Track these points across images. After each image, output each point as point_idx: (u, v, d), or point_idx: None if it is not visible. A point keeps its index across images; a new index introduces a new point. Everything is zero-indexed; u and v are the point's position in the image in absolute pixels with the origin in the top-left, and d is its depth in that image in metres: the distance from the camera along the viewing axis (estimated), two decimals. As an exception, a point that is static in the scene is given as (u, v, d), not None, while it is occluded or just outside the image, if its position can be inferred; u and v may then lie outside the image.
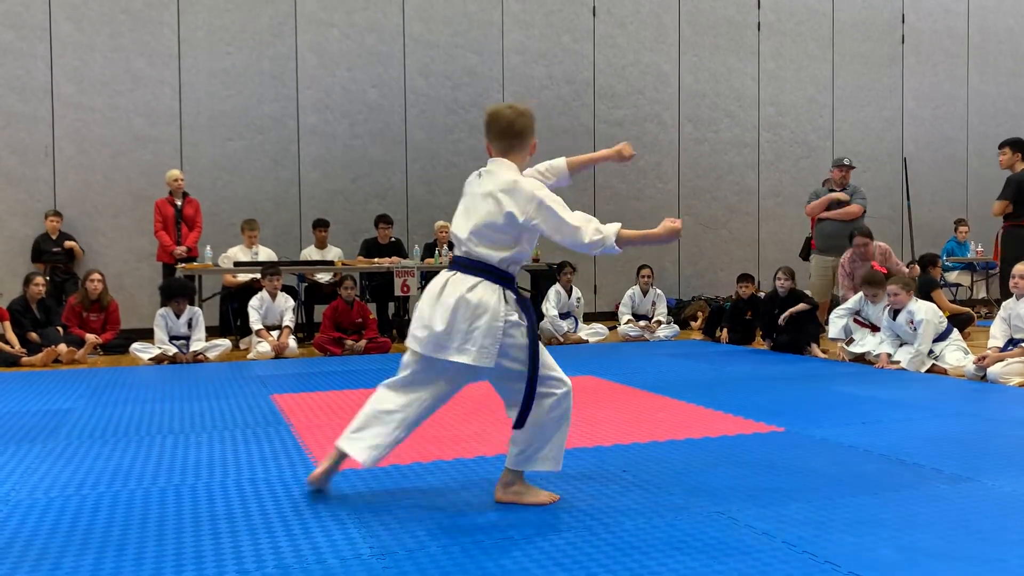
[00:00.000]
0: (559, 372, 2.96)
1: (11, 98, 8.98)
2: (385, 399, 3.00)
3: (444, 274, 2.96)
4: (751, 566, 2.37)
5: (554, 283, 9.06)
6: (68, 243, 8.92)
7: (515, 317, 2.89)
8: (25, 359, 7.36)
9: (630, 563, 2.41)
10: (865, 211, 8.56)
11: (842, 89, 12.49)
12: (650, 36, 11.46)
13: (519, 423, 2.87)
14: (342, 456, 3.04)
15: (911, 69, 12.90)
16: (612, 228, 2.85)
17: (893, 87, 12.82)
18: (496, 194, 2.86)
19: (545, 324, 8.84)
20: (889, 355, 6.53)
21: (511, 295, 2.91)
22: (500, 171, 2.93)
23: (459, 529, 2.73)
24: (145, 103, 9.41)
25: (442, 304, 2.86)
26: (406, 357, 3.02)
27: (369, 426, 2.98)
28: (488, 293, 2.85)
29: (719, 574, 2.32)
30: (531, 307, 2.98)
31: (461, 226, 2.95)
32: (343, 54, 10.10)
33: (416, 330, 2.92)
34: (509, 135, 2.97)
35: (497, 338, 2.83)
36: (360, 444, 2.96)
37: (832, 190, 8.69)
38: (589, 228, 2.83)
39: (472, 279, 2.87)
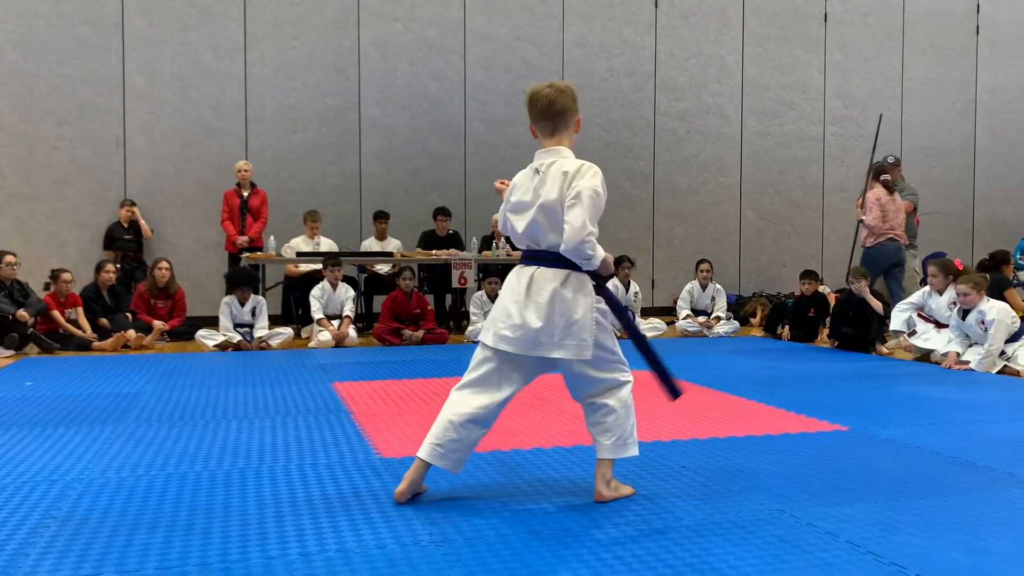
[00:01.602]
0: (624, 358, 3.02)
1: (85, 90, 9.27)
2: (461, 403, 2.89)
3: (526, 268, 2.89)
4: (813, 564, 2.33)
5: (611, 277, 9.01)
6: (141, 222, 9.15)
7: (602, 306, 2.91)
8: (96, 344, 7.60)
9: (689, 558, 2.39)
10: (916, 207, 8.30)
11: (911, 81, 12.15)
12: (713, 28, 11.30)
13: (675, 394, 2.97)
14: (427, 466, 2.91)
15: (986, 61, 12.47)
16: (601, 252, 2.85)
17: (966, 79, 12.42)
18: (571, 186, 2.79)
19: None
20: (958, 355, 6.35)
21: (593, 283, 2.90)
22: (561, 163, 2.85)
23: (517, 518, 2.74)
24: (213, 96, 9.62)
25: (534, 301, 2.81)
26: (479, 355, 2.93)
27: (450, 434, 2.86)
28: (580, 286, 2.84)
29: (780, 572, 2.28)
30: (608, 289, 2.97)
31: (536, 223, 2.84)
32: (405, 47, 10.18)
33: (503, 329, 2.84)
34: (551, 115, 2.91)
35: (593, 330, 2.83)
36: (443, 452, 2.86)
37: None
38: (591, 239, 2.79)
39: (561, 272, 2.83)
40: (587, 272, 2.87)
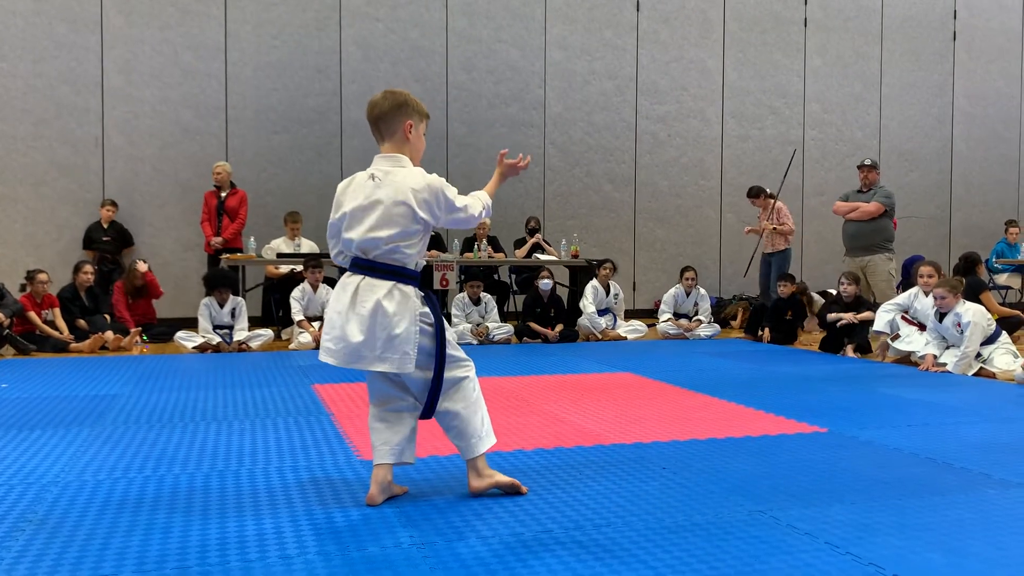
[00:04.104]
0: (462, 352, 3.02)
1: (63, 90, 9.18)
2: (375, 416, 3.00)
3: (352, 279, 2.87)
4: (793, 565, 2.34)
5: (592, 279, 9.03)
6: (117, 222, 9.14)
7: (428, 316, 2.90)
8: (73, 345, 7.52)
9: (671, 560, 2.39)
10: (888, 210, 8.41)
11: (890, 87, 12.27)
12: (695, 32, 11.36)
13: (428, 413, 2.90)
14: (390, 468, 2.95)
15: (963, 66, 12.62)
16: (485, 195, 3.06)
17: (943, 84, 12.56)
18: (405, 198, 2.82)
19: (583, 320, 8.82)
20: (935, 357, 6.41)
21: (420, 293, 2.91)
22: (398, 172, 2.88)
23: (498, 520, 2.74)
24: (192, 96, 9.56)
25: (357, 314, 2.81)
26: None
27: (379, 430, 2.96)
28: (405, 297, 2.84)
29: (760, 573, 2.29)
30: (434, 297, 2.98)
31: (365, 230, 2.84)
32: (387, 48, 10.16)
33: (328, 342, 2.86)
34: (380, 122, 2.97)
35: (415, 342, 2.83)
36: (385, 450, 2.93)
37: (860, 191, 8.61)
38: (478, 205, 3.00)
39: (386, 284, 2.83)
40: (412, 284, 2.89)
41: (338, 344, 2.83)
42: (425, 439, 3.95)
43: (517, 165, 3.16)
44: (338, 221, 2.94)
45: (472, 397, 2.97)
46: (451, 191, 2.92)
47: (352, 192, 2.92)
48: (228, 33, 9.65)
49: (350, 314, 2.82)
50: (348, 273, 2.92)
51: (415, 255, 2.90)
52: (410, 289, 2.87)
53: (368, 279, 2.84)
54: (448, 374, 2.91)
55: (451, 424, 2.95)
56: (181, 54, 9.51)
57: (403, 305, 2.83)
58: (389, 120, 2.96)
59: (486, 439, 2.97)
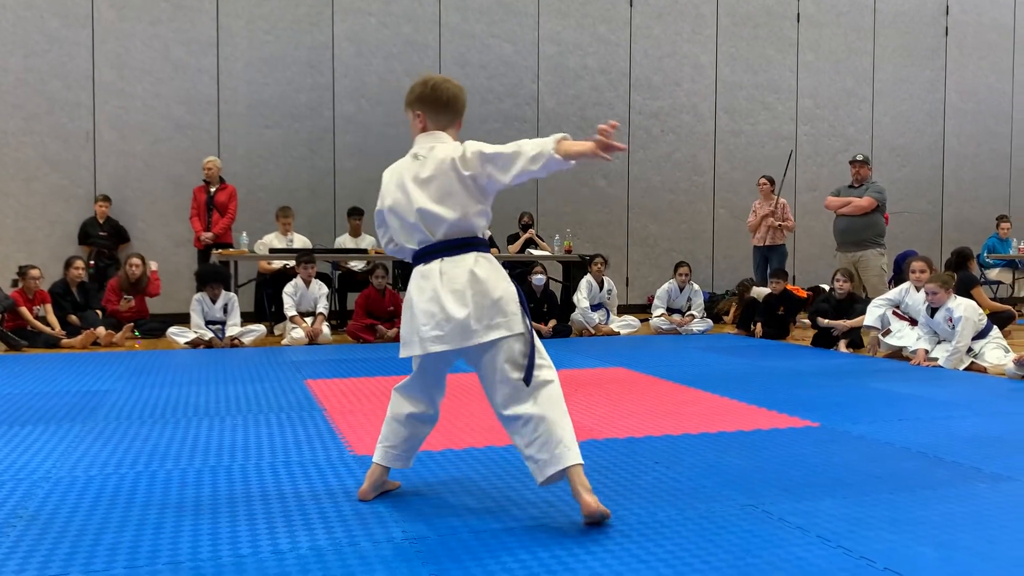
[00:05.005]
0: (546, 352, 2.80)
1: (55, 84, 9.13)
2: (402, 403, 2.89)
3: (428, 266, 2.72)
4: (784, 559, 2.35)
5: (585, 274, 9.03)
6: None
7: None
8: (65, 341, 7.50)
9: (663, 553, 2.40)
10: (880, 205, 8.43)
11: (882, 82, 12.30)
12: (688, 27, 11.36)
13: (528, 378, 2.65)
14: (386, 468, 2.92)
15: (955, 62, 12.65)
16: (550, 140, 2.62)
17: (935, 80, 12.59)
18: (452, 166, 2.70)
19: (576, 315, 8.82)
20: (927, 352, 6.43)
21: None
22: (439, 146, 2.77)
23: (490, 515, 2.74)
24: (184, 90, 9.52)
25: (451, 291, 2.66)
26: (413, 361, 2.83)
27: (400, 433, 2.88)
28: (490, 261, 2.74)
29: (752, 567, 2.30)
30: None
31: (426, 207, 2.70)
32: (379, 43, 10.13)
33: (432, 331, 2.66)
34: (448, 107, 2.83)
35: (518, 299, 2.73)
36: (396, 453, 2.89)
37: (852, 186, 8.63)
38: (529, 144, 2.66)
39: (467, 255, 2.71)
40: (487, 251, 2.78)
41: (444, 328, 2.64)
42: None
43: (611, 146, 2.61)
44: (388, 208, 2.82)
45: (561, 403, 2.70)
46: (489, 146, 2.73)
47: (398, 176, 2.81)
48: (220, 28, 9.61)
49: (444, 294, 2.66)
50: (421, 265, 2.75)
51: (483, 224, 2.78)
52: (491, 255, 2.78)
53: (446, 259, 2.71)
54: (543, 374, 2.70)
55: (534, 436, 2.62)
56: (173, 49, 9.47)
57: (494, 268, 2.73)
58: (459, 111, 2.87)
59: (576, 448, 2.65)
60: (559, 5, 10.77)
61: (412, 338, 2.73)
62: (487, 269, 2.71)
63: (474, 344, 2.65)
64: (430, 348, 2.67)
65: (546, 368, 2.71)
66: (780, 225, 9.66)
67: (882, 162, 12.06)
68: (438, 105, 2.83)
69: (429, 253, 2.74)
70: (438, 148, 2.77)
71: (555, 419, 2.63)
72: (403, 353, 2.78)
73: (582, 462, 2.63)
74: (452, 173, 2.71)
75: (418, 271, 2.77)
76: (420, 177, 2.74)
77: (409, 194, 2.74)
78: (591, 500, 2.59)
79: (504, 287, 2.70)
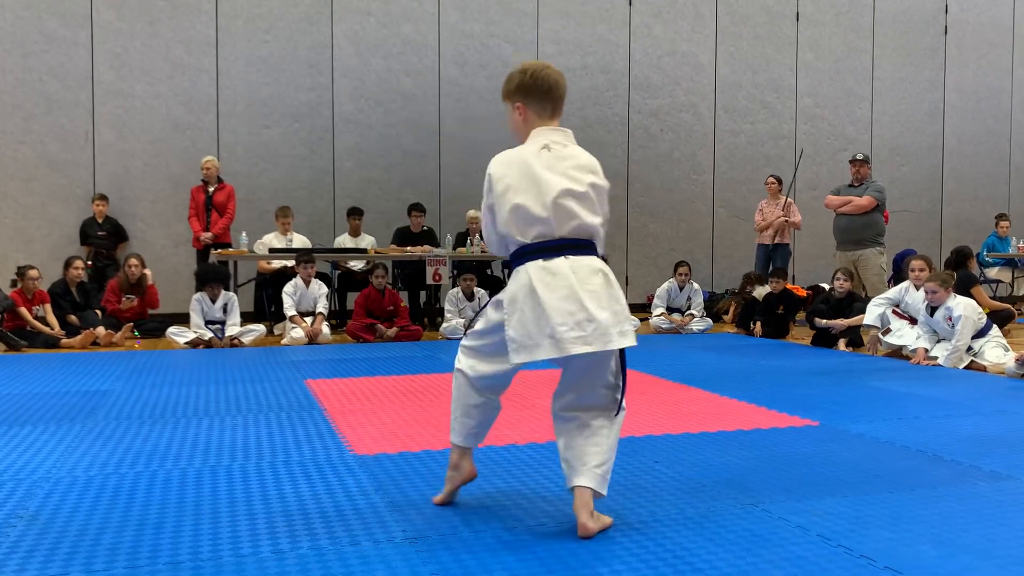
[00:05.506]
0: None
1: (54, 85, 9.13)
2: (473, 381, 2.76)
3: (554, 262, 2.53)
4: (785, 558, 2.35)
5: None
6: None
7: None
8: (64, 341, 7.49)
9: (663, 552, 2.40)
10: (879, 204, 8.44)
11: (881, 81, 12.29)
12: (687, 26, 11.36)
13: (622, 401, 2.64)
14: (468, 450, 2.82)
15: (953, 61, 12.65)
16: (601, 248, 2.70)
17: (934, 79, 12.59)
18: (592, 170, 2.64)
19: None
20: (926, 350, 6.44)
21: None
22: (573, 147, 2.69)
23: (492, 515, 2.74)
24: (183, 90, 9.51)
25: (588, 291, 2.50)
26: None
27: (474, 416, 2.78)
28: (609, 271, 2.62)
29: (752, 566, 2.30)
30: None
31: (561, 200, 2.55)
32: (379, 43, 10.13)
33: (571, 330, 2.46)
34: (561, 98, 2.76)
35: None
36: (478, 431, 2.81)
37: (852, 185, 8.64)
38: (603, 231, 2.69)
39: (592, 258, 2.58)
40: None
41: (587, 328, 2.46)
42: (410, 437, 3.96)
43: None
44: (508, 197, 2.60)
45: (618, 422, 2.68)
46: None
47: (525, 166, 2.60)
48: (219, 27, 9.60)
49: (583, 293, 2.49)
50: (539, 260, 2.54)
51: (601, 234, 2.67)
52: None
53: (572, 257, 2.54)
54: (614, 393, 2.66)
55: (585, 447, 2.59)
56: (172, 48, 9.46)
57: (613, 277, 2.63)
58: (561, 99, 2.78)
59: (607, 477, 2.60)
60: (559, 5, 10.77)
61: (540, 340, 2.49)
62: (612, 276, 2.61)
63: (611, 347, 2.53)
64: (572, 350, 2.46)
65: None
66: (789, 222, 9.75)
67: (882, 161, 12.06)
68: (539, 93, 2.71)
69: (550, 249, 2.54)
70: (576, 149, 2.68)
71: (613, 445, 2.63)
72: (522, 358, 2.52)
73: (604, 494, 2.59)
74: (592, 177, 2.62)
75: (538, 266, 2.53)
76: (558, 168, 2.59)
77: (543, 184, 2.56)
78: (592, 527, 2.53)
79: (623, 298, 2.61)
